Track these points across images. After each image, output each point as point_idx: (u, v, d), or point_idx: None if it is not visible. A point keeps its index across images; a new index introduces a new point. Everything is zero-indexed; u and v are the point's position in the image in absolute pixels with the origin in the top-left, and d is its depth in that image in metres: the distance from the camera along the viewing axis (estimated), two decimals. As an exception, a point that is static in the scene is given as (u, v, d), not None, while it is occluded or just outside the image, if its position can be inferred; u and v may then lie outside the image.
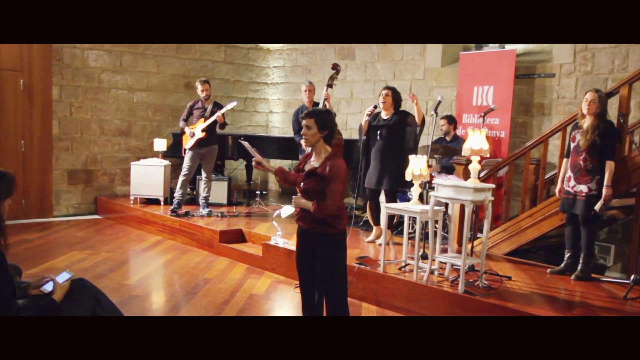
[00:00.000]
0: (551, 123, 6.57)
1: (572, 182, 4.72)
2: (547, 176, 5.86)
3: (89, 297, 3.15)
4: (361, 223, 6.73)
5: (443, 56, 7.86)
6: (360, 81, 8.87)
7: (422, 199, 4.97)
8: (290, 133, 7.65)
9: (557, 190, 4.99)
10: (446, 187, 4.47)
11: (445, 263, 4.73)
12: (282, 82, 10.34)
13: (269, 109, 10.64)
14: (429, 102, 7.76)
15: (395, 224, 6.25)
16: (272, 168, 3.55)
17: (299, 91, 8.28)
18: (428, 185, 5.35)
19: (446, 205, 4.88)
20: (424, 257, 4.99)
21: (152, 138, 8.78)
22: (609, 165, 4.55)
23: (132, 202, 8.08)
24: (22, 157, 7.85)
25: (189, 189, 7.84)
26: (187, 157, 7.22)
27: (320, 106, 6.17)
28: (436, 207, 4.56)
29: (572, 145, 4.77)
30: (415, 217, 4.71)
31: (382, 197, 5.77)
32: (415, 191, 4.77)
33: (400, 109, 5.68)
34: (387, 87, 5.67)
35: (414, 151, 5.52)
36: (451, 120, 6.86)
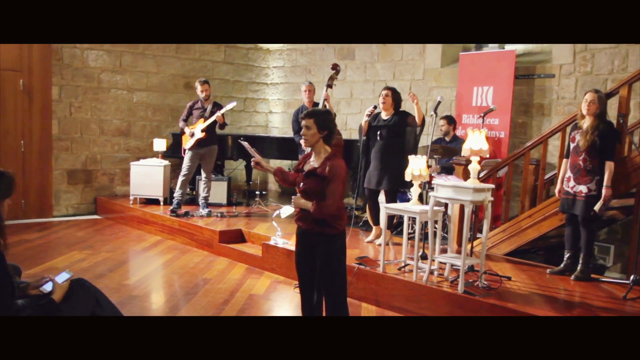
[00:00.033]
0: (551, 123, 6.57)
1: (572, 183, 4.72)
2: (546, 176, 5.86)
3: (89, 297, 3.15)
4: (361, 223, 6.73)
5: (443, 56, 7.87)
6: (360, 81, 8.87)
7: (421, 199, 4.97)
8: (289, 133, 7.65)
9: (556, 190, 4.99)
10: (446, 187, 4.47)
11: (445, 263, 4.73)
12: (282, 82, 10.34)
13: (268, 109, 10.64)
14: (429, 102, 7.76)
15: (395, 224, 6.25)
16: (271, 168, 3.55)
17: (299, 91, 8.28)
18: (428, 186, 5.35)
19: (446, 205, 4.88)
20: (424, 257, 5.00)
21: (151, 138, 8.78)
22: (609, 166, 4.55)
23: (131, 202, 8.08)
24: (22, 157, 7.85)
25: (188, 189, 7.84)
26: (187, 157, 7.22)
27: (320, 106, 6.18)
28: (436, 208, 4.56)
29: (572, 145, 4.78)
30: (414, 218, 4.72)
31: (382, 197, 5.78)
32: (414, 191, 4.77)
33: (400, 109, 5.67)
34: (387, 88, 5.66)
35: (414, 151, 5.51)
36: (451, 121, 6.86)
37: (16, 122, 7.77)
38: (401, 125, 5.59)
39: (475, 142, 4.37)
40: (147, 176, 7.98)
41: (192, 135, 7.11)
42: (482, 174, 5.60)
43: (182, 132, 7.33)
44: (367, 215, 6.09)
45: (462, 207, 5.10)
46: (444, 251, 5.07)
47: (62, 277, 3.13)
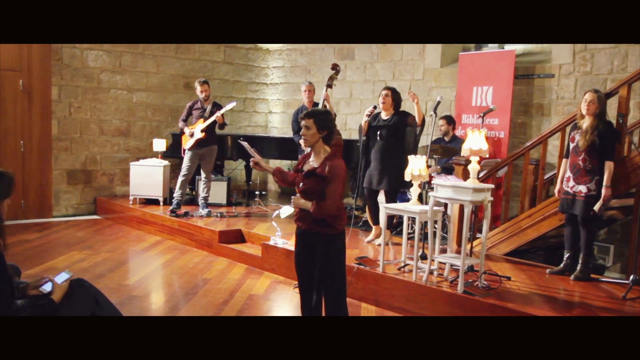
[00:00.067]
0: (550, 123, 6.57)
1: (572, 183, 4.72)
2: (546, 176, 5.86)
3: (88, 298, 3.15)
4: (360, 223, 6.73)
5: (442, 56, 7.87)
6: (359, 81, 8.87)
7: (421, 199, 4.97)
8: (289, 133, 7.65)
9: (556, 190, 4.99)
10: (445, 187, 4.47)
11: (445, 263, 4.73)
12: (282, 82, 10.34)
13: (268, 110, 10.64)
14: (428, 102, 7.76)
15: (395, 224, 6.25)
16: (270, 168, 3.56)
17: (299, 91, 8.28)
18: (427, 186, 5.35)
19: (445, 205, 4.88)
20: (423, 257, 5.00)
21: (151, 138, 8.78)
22: (608, 166, 4.55)
23: (131, 202, 8.08)
24: (22, 157, 7.85)
25: (188, 189, 7.84)
26: (187, 157, 7.22)
27: (320, 106, 6.18)
28: (435, 208, 4.56)
29: (572, 145, 4.78)
30: (414, 218, 4.72)
31: (382, 197, 5.77)
32: (414, 191, 4.77)
33: (400, 110, 5.67)
34: (387, 88, 5.66)
35: (414, 152, 5.51)
36: (450, 121, 6.86)
37: (16, 122, 7.77)
38: (401, 125, 5.59)
39: (474, 142, 4.37)
40: (147, 176, 7.98)
41: (192, 135, 7.11)
42: (481, 174, 5.60)
43: (182, 132, 7.33)
44: (367, 215, 6.09)
45: (461, 207, 5.10)
46: (443, 251, 5.07)
47: (62, 278, 3.13)
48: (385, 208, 5.02)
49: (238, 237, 6.60)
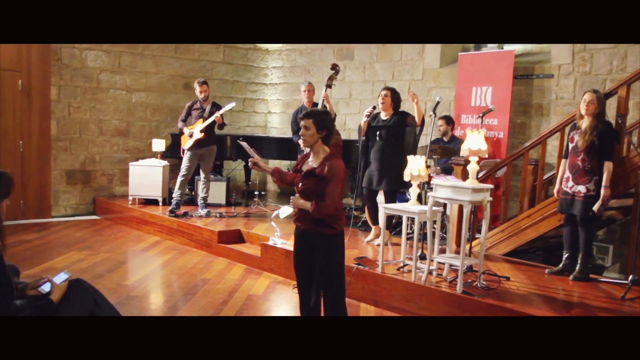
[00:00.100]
0: (550, 124, 6.57)
1: (571, 183, 4.72)
2: (545, 177, 5.86)
3: (87, 298, 3.15)
4: (359, 224, 6.73)
5: (442, 57, 7.87)
6: (359, 82, 8.87)
7: (420, 199, 4.97)
8: (289, 134, 7.64)
9: (555, 190, 4.99)
10: (444, 187, 4.47)
11: (444, 263, 4.73)
12: (281, 82, 10.34)
13: (267, 110, 10.64)
14: (428, 102, 7.76)
15: (394, 225, 6.25)
16: (268, 169, 3.55)
17: (298, 92, 8.28)
18: (426, 186, 5.35)
19: (444, 205, 4.88)
20: (423, 257, 4.99)
21: (150, 138, 8.77)
22: (607, 166, 4.55)
23: (130, 202, 8.07)
24: (21, 158, 7.84)
25: (187, 190, 7.84)
26: (186, 157, 7.22)
27: (320, 106, 6.18)
28: (434, 208, 4.56)
29: (571, 145, 4.78)
30: (413, 218, 4.72)
31: (381, 197, 5.77)
32: (413, 192, 4.77)
33: (400, 110, 5.67)
34: (387, 88, 5.66)
35: (414, 152, 5.52)
36: (449, 121, 6.86)
37: (15, 122, 7.77)
38: (400, 125, 5.59)
39: (474, 142, 4.38)
40: (146, 176, 7.98)
41: (191, 135, 7.11)
42: (480, 174, 5.60)
43: (181, 133, 7.33)
44: (366, 216, 6.09)
45: (460, 207, 5.10)
46: (442, 251, 5.07)
47: (61, 278, 3.13)
48: (384, 208, 5.02)
49: (237, 237, 6.60)
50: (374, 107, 5.70)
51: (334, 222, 3.27)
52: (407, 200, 5.15)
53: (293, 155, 7.29)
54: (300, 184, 3.32)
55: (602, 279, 4.88)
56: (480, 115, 5.70)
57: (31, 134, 7.91)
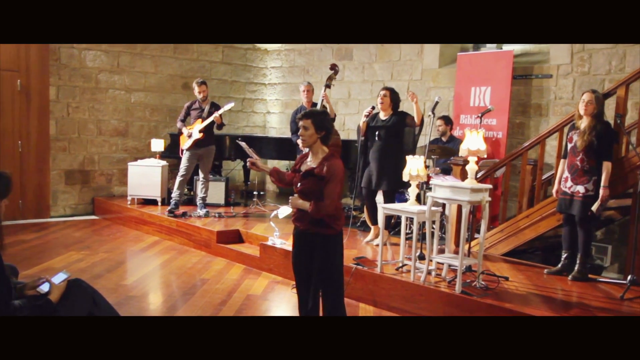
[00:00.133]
0: (548, 124, 6.58)
1: (569, 183, 4.72)
2: (544, 177, 5.86)
3: (86, 298, 3.15)
4: (358, 224, 6.73)
5: (440, 57, 7.87)
6: (357, 82, 8.87)
7: (419, 199, 4.97)
8: (287, 134, 7.65)
9: (554, 190, 4.99)
10: (443, 187, 4.47)
11: (443, 263, 4.74)
12: (280, 82, 10.34)
13: (266, 110, 10.64)
14: (427, 102, 7.76)
15: (393, 225, 6.26)
16: (267, 168, 3.55)
17: (297, 92, 8.28)
18: (425, 186, 5.35)
19: (443, 205, 4.88)
20: (421, 257, 5.00)
21: (149, 138, 8.77)
22: (606, 166, 4.56)
23: (129, 202, 8.07)
24: (19, 158, 7.83)
25: (186, 190, 7.83)
26: (185, 157, 7.22)
27: (319, 106, 6.18)
28: (433, 208, 4.56)
29: (569, 146, 4.78)
30: (412, 218, 4.72)
31: (380, 198, 5.77)
32: (412, 192, 4.77)
33: (399, 110, 5.67)
34: (386, 88, 5.66)
35: (413, 152, 5.52)
36: (448, 121, 6.86)
37: (14, 122, 7.76)
38: (400, 125, 5.59)
39: (473, 143, 4.38)
40: (145, 176, 7.97)
41: (190, 135, 7.11)
42: (479, 174, 5.60)
43: (180, 133, 7.33)
44: (365, 216, 6.09)
45: (459, 208, 5.10)
46: (441, 251, 5.07)
47: (60, 278, 3.13)
48: (383, 208, 5.02)
49: (236, 237, 6.60)
50: (373, 107, 5.70)
51: (332, 222, 3.27)
52: (406, 201, 5.15)
53: (292, 156, 7.28)
54: (299, 184, 3.32)
55: (600, 279, 4.89)
56: (479, 115, 5.71)
57: (30, 134, 7.90)
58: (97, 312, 3.16)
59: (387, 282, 4.72)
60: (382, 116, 5.63)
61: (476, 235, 5.44)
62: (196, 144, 7.12)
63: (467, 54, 7.40)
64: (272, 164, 8.11)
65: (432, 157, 6.15)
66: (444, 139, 6.82)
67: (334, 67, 6.34)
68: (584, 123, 4.67)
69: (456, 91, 7.35)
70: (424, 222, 4.73)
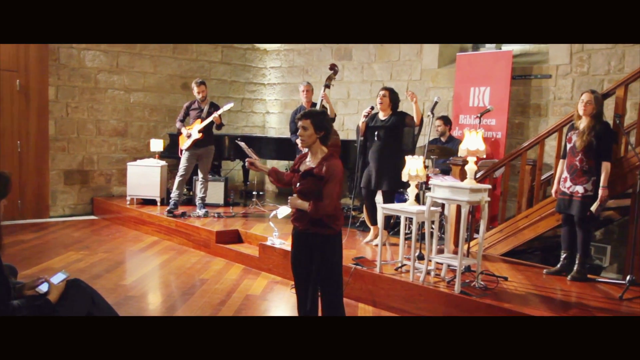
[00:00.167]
0: (547, 124, 6.58)
1: (568, 183, 4.73)
2: (543, 177, 5.87)
3: (85, 298, 3.15)
4: (358, 224, 6.73)
5: (440, 57, 7.87)
6: (357, 82, 8.87)
7: (418, 199, 4.97)
8: (287, 134, 7.65)
9: (553, 191, 5.00)
10: (443, 187, 4.47)
11: (442, 264, 4.73)
12: (279, 82, 10.34)
13: (265, 110, 10.64)
14: (426, 102, 7.76)
15: (392, 225, 6.26)
16: (265, 169, 3.55)
17: (296, 92, 8.28)
18: (424, 186, 5.35)
19: (442, 205, 4.88)
20: (421, 257, 5.00)
21: (148, 138, 8.77)
22: (605, 166, 4.56)
23: (128, 202, 8.06)
24: (19, 158, 7.83)
25: (185, 190, 7.83)
26: (184, 157, 7.21)
27: (318, 106, 6.18)
28: (433, 208, 4.56)
29: (569, 146, 4.78)
30: (411, 218, 4.72)
31: (379, 198, 5.77)
32: (411, 192, 4.77)
33: (398, 110, 5.67)
34: (385, 88, 5.66)
35: (412, 152, 5.52)
36: (447, 121, 6.87)
37: (13, 122, 7.76)
38: (399, 125, 5.59)
39: (472, 143, 4.38)
40: (144, 176, 7.97)
41: (189, 135, 7.11)
42: (478, 175, 5.60)
43: (179, 133, 7.33)
44: (365, 216, 6.09)
45: (458, 208, 5.10)
46: (440, 251, 5.07)
47: (58, 278, 3.13)
48: (382, 208, 5.02)
49: (235, 237, 6.60)
50: (372, 107, 5.70)
51: (332, 222, 3.27)
52: (405, 201, 5.15)
53: (291, 156, 7.28)
54: (298, 184, 3.32)
55: (599, 279, 4.89)
56: (479, 115, 5.71)
57: (29, 134, 7.90)
58: (96, 312, 3.16)
59: (386, 282, 4.72)
60: (382, 116, 5.63)
61: (475, 236, 5.44)
62: (195, 144, 7.12)
63: (467, 54, 7.40)
64: (272, 164, 8.11)
65: (431, 157, 6.15)
66: (443, 139, 6.83)
67: (333, 67, 6.34)
68: (583, 123, 4.67)
69: (455, 91, 7.35)
70: (423, 222, 4.73)
